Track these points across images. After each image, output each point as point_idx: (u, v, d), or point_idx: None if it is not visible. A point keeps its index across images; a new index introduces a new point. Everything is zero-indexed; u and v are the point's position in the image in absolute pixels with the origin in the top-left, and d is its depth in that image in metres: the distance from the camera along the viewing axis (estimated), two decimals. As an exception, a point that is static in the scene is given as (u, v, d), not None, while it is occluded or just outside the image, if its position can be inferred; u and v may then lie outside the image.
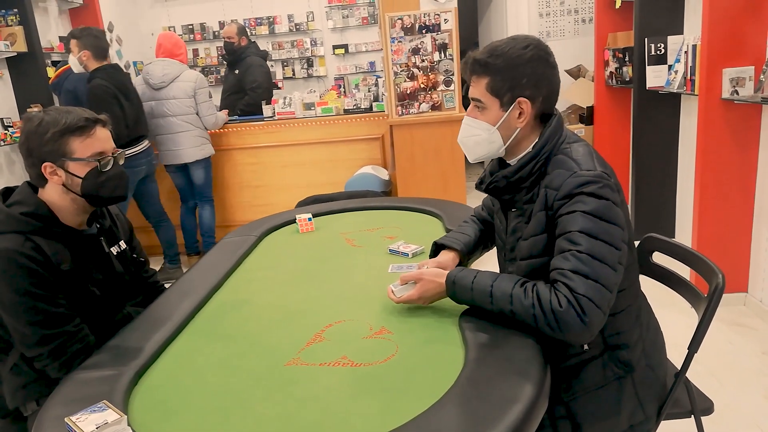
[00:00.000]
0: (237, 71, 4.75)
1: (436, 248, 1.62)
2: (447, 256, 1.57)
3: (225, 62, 5.01)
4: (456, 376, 1.11)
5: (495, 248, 1.59)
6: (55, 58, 5.08)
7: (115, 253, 1.62)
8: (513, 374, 1.11)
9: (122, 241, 1.67)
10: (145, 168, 3.68)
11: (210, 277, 1.74)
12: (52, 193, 1.48)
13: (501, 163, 1.44)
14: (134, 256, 1.73)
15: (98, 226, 1.60)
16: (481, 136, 1.37)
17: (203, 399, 1.14)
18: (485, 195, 1.57)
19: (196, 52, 6.89)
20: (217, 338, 1.40)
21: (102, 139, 1.50)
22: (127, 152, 3.60)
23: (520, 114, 1.33)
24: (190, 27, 6.85)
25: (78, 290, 1.47)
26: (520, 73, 1.30)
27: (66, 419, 1.03)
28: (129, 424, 1.02)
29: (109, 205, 1.61)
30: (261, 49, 5.03)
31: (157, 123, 3.81)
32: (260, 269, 1.86)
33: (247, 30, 5.94)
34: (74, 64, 3.65)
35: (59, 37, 5.27)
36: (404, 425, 0.97)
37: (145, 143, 3.67)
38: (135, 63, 6.06)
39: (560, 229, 1.24)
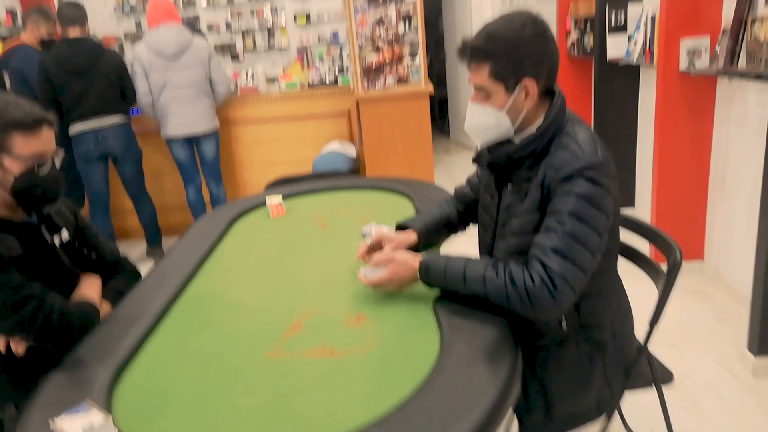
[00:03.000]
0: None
1: (397, 229, 1.67)
2: (404, 235, 1.63)
3: None
4: (433, 362, 1.15)
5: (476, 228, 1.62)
6: (2, 32, 4.84)
7: (57, 244, 1.57)
8: (486, 358, 1.16)
9: (64, 230, 1.60)
10: (95, 149, 3.55)
11: (183, 267, 1.73)
12: None
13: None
14: (83, 246, 1.66)
15: (38, 215, 1.55)
16: (490, 121, 1.36)
17: (186, 394, 1.15)
18: (458, 170, 1.59)
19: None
20: (195, 331, 1.41)
21: (45, 140, 1.45)
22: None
23: (526, 95, 1.33)
24: (144, -3, 6.59)
25: (31, 279, 1.42)
26: (521, 54, 1.29)
27: (50, 423, 1.03)
28: (114, 424, 1.03)
29: (38, 207, 1.54)
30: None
31: (170, 94, 3.63)
32: (233, 257, 1.86)
33: None
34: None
35: (5, 9, 5.01)
36: (387, 414, 1.01)
37: (94, 123, 3.52)
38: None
39: (551, 207, 1.27)
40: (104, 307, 1.55)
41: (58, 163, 1.50)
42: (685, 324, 2.67)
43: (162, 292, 1.57)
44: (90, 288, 1.58)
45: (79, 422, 1.01)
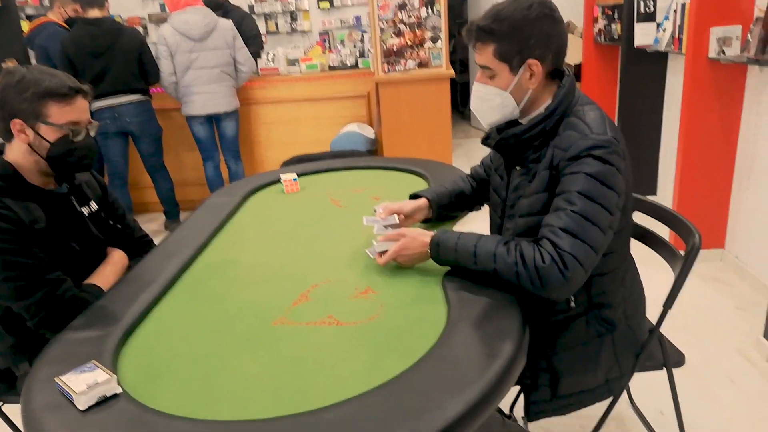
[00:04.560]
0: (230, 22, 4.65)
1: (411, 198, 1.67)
2: (415, 202, 1.64)
3: None
4: (439, 334, 1.14)
5: (489, 207, 1.61)
6: (29, 11, 4.90)
7: (86, 214, 1.61)
8: (493, 332, 1.14)
9: (92, 202, 1.65)
10: (112, 125, 3.58)
11: (195, 238, 1.74)
12: (17, 152, 1.46)
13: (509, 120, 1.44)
14: (110, 218, 1.71)
15: (68, 186, 1.59)
16: (495, 101, 1.36)
17: (190, 359, 1.16)
18: (478, 153, 1.58)
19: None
20: (203, 299, 1.41)
21: (80, 109, 1.48)
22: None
23: (531, 75, 1.32)
24: (169, -22, 6.62)
25: (57, 248, 1.46)
26: (526, 34, 1.28)
27: (56, 379, 1.04)
28: (119, 383, 1.04)
29: (72, 173, 1.58)
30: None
31: (194, 74, 3.68)
32: (245, 230, 1.87)
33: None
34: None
35: (33, -12, 5.07)
36: (388, 382, 1.00)
37: (112, 101, 3.55)
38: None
39: (560, 187, 1.25)
40: None
41: (92, 132, 1.52)
42: (704, 311, 2.62)
43: (174, 261, 1.57)
44: (112, 267, 1.61)
45: (84, 380, 1.02)
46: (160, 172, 3.89)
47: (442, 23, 3.93)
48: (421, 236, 1.39)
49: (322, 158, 2.62)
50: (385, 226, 1.56)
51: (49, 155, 1.45)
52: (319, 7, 6.76)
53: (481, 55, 1.34)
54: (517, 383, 1.39)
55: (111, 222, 1.71)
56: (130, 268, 1.63)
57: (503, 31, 1.29)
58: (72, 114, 1.46)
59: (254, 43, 4.64)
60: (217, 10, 4.62)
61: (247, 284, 1.48)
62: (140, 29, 6.40)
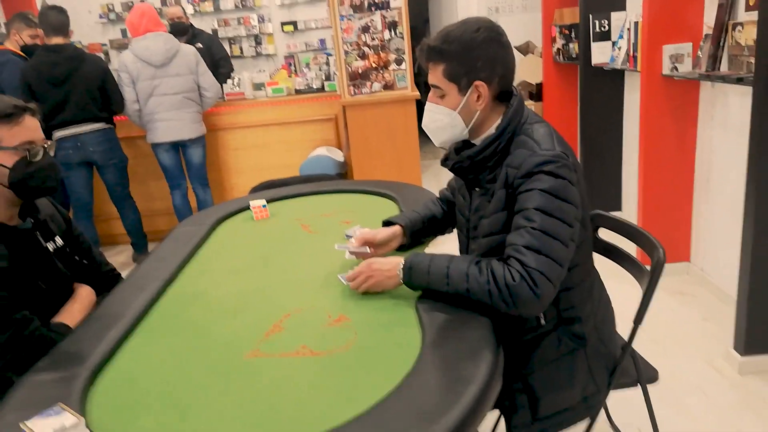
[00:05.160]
0: (199, 45, 4.66)
1: (384, 225, 1.68)
2: (390, 229, 1.64)
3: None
4: (414, 359, 1.14)
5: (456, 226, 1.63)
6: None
7: (51, 250, 1.57)
8: (468, 355, 1.14)
9: (57, 237, 1.61)
10: (75, 155, 3.51)
11: (164, 269, 1.71)
12: None
13: (466, 141, 1.47)
14: (76, 253, 1.68)
15: (32, 221, 1.54)
16: (443, 120, 1.40)
17: (163, 396, 1.13)
18: (446, 174, 1.60)
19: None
20: (173, 333, 1.38)
21: (31, 128, 1.45)
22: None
23: (478, 97, 1.36)
24: (129, 4, 6.57)
25: (22, 287, 1.42)
26: (474, 56, 1.33)
27: (21, 425, 1.00)
28: (87, 426, 1.01)
29: (38, 197, 1.55)
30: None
31: (157, 101, 3.62)
32: (215, 259, 1.84)
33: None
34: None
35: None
36: (365, 413, 0.99)
37: (74, 130, 3.49)
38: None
39: (518, 206, 1.28)
40: None
41: (51, 151, 1.49)
42: (671, 324, 2.68)
43: (142, 295, 1.54)
44: (80, 304, 1.57)
45: (50, 424, 0.98)
46: (126, 202, 3.81)
47: (406, 45, 3.99)
48: (388, 264, 1.40)
49: (291, 183, 2.61)
50: (355, 254, 1.57)
51: (11, 181, 1.41)
52: (283, 30, 6.79)
53: (432, 75, 1.39)
54: (495, 406, 1.40)
55: (77, 257, 1.67)
56: (98, 304, 1.59)
57: (452, 52, 1.33)
58: (23, 134, 1.43)
59: (224, 65, 4.68)
60: (184, 35, 4.63)
61: (219, 316, 1.45)
62: (101, 56, 6.33)
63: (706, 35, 2.73)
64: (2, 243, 1.41)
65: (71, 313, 1.52)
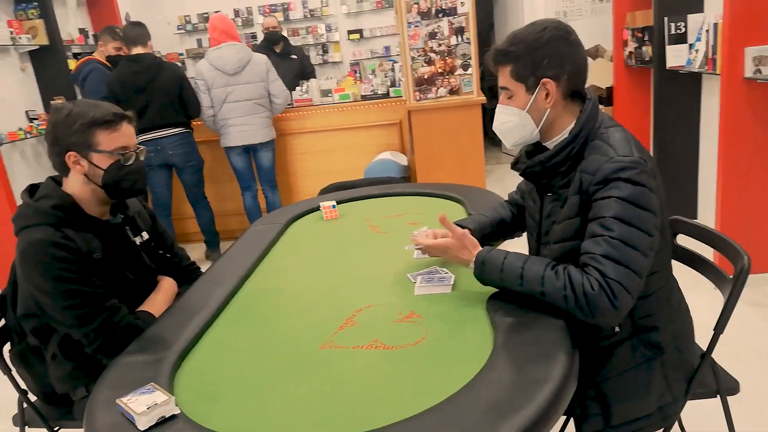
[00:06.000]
0: (294, 56, 5.02)
1: None
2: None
3: (272, 51, 5.04)
4: (486, 358, 1.14)
5: (525, 231, 1.62)
6: (76, 50, 5.15)
7: (139, 244, 1.67)
8: (542, 356, 1.14)
9: (144, 232, 1.72)
10: (156, 157, 3.70)
11: (240, 265, 1.79)
12: (75, 184, 1.53)
13: (537, 145, 1.46)
14: (160, 248, 1.78)
15: (122, 216, 1.65)
16: (513, 121, 1.40)
17: (243, 382, 1.19)
18: (511, 179, 1.59)
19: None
20: (251, 324, 1.45)
21: (126, 134, 1.56)
22: None
23: (547, 95, 1.35)
24: (205, 15, 6.88)
25: (112, 277, 1.53)
26: (540, 55, 1.33)
27: (117, 401, 1.08)
28: (176, 405, 1.08)
29: (127, 198, 1.66)
30: None
31: (230, 107, 3.81)
32: (288, 257, 1.91)
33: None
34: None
35: (78, 28, 5.33)
36: (436, 406, 1.01)
37: (154, 134, 3.68)
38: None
39: (594, 213, 1.26)
40: None
41: (142, 156, 1.60)
42: (753, 337, 2.54)
43: (220, 288, 1.62)
44: (163, 294, 1.66)
45: (144, 401, 1.06)
46: (201, 202, 4.00)
47: (472, 50, 3.98)
48: (476, 247, 1.41)
49: (360, 185, 2.67)
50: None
51: (105, 182, 1.52)
52: (349, 38, 6.93)
53: (501, 77, 1.40)
54: (566, 414, 1.38)
55: (161, 251, 1.77)
56: (179, 295, 1.68)
57: (518, 53, 1.34)
58: (120, 139, 1.53)
59: (311, 76, 4.97)
60: (278, 44, 4.92)
61: (293, 310, 1.51)
62: (178, 64, 6.66)
63: (794, 36, 2.59)
64: (97, 236, 1.52)
65: (155, 303, 1.61)
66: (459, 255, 1.42)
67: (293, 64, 5.02)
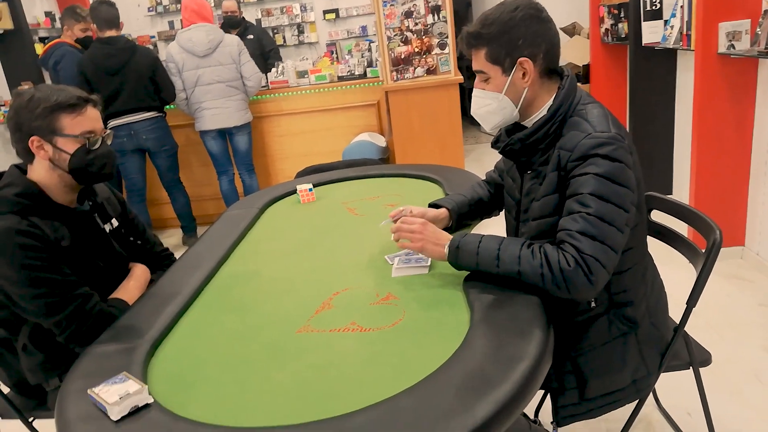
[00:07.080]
0: (251, 37, 4.83)
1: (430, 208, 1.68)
2: (436, 212, 1.64)
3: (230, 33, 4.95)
4: (462, 337, 1.14)
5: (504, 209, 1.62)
6: (42, 33, 5.00)
7: (108, 231, 1.64)
8: (518, 333, 1.14)
9: (114, 219, 1.69)
10: (129, 142, 3.64)
11: (216, 249, 1.76)
12: (40, 170, 1.49)
13: (517, 123, 1.45)
14: (131, 234, 1.75)
15: (90, 203, 1.62)
16: (492, 105, 1.39)
17: (218, 368, 1.17)
18: (489, 158, 1.59)
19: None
20: (227, 309, 1.43)
21: (92, 118, 1.52)
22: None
23: (524, 74, 1.34)
24: (178, -4, 6.72)
25: (82, 265, 1.49)
26: (514, 35, 1.31)
27: (89, 391, 1.06)
28: (150, 394, 1.06)
29: (96, 183, 1.62)
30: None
31: (203, 90, 3.74)
32: (265, 241, 1.88)
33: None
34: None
35: (44, 12, 5.17)
36: (413, 386, 1.01)
37: (127, 118, 3.61)
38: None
39: (571, 190, 1.26)
40: None
41: (108, 141, 1.56)
42: (727, 310, 2.60)
43: (196, 273, 1.60)
44: (135, 281, 1.64)
45: (116, 391, 1.04)
46: (176, 187, 3.94)
47: (449, 29, 3.95)
48: (445, 234, 1.40)
49: (336, 168, 2.64)
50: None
51: (71, 167, 1.48)
52: (325, 18, 6.83)
53: (476, 60, 1.37)
54: (543, 387, 1.39)
55: (132, 238, 1.74)
56: (153, 282, 1.65)
57: (492, 34, 1.32)
58: (85, 123, 1.49)
59: (274, 56, 4.84)
60: (237, 27, 4.75)
61: (270, 294, 1.49)
62: (150, 47, 6.51)
63: (765, 11, 2.60)
64: (64, 224, 1.49)
65: (128, 290, 1.58)
66: (432, 243, 1.39)
67: (250, 45, 4.91)
